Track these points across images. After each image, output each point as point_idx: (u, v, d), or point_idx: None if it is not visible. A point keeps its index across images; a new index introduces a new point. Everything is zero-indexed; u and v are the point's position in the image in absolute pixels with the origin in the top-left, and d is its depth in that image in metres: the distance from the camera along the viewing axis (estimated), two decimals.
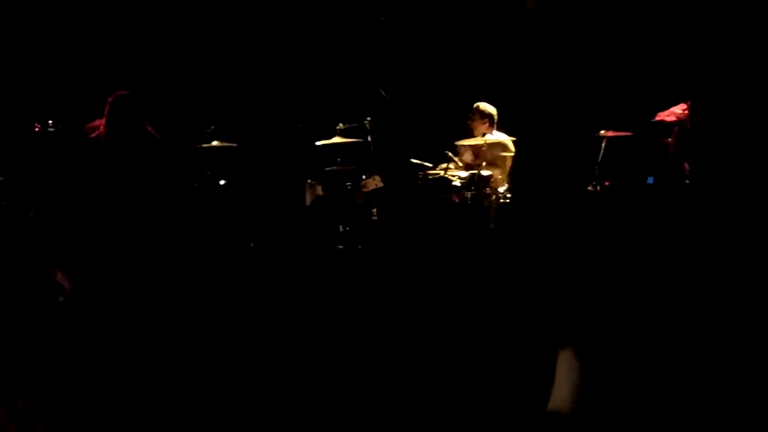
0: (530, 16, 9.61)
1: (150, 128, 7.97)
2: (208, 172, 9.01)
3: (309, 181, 9.07)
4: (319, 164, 9.31)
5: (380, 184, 8.92)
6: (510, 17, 10.03)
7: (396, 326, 4.60)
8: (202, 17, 10.15)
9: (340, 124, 9.24)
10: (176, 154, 8.79)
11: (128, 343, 3.84)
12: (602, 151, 9.20)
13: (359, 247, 8.28)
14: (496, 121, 9.43)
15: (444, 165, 9.26)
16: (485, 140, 9.13)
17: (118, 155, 7.62)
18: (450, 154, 9.33)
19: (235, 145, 9.24)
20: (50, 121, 8.32)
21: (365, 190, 8.86)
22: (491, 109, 9.41)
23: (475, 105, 9.45)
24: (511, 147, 9.23)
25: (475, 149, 9.47)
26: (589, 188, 8.92)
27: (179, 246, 6.68)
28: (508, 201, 8.57)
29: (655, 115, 9.12)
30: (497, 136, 9.34)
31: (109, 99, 7.81)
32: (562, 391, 2.58)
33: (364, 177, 9.06)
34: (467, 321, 4.43)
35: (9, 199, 7.87)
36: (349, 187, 8.98)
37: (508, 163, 9.21)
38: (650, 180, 8.98)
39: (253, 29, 10.29)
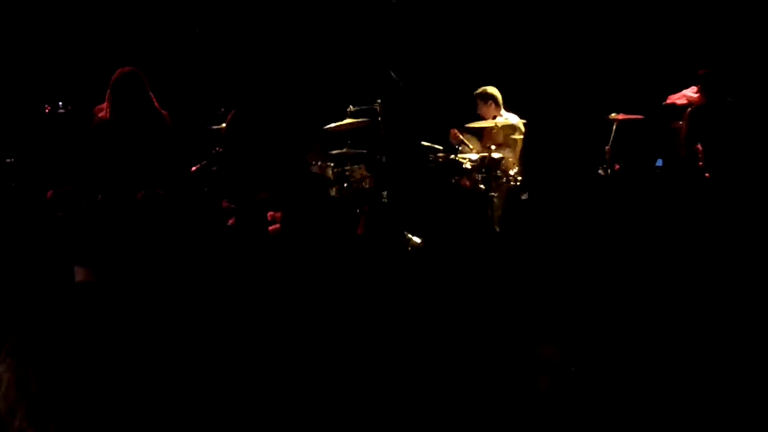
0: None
1: (158, 105, 7.90)
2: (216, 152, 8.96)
3: (320, 163, 8.98)
4: (329, 147, 9.23)
5: (366, 173, 8.88)
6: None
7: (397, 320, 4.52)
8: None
9: (351, 107, 9.15)
10: (185, 133, 8.78)
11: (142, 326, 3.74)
12: (613, 135, 9.14)
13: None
14: (500, 102, 9.35)
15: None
16: (496, 123, 9.06)
17: (123, 133, 7.53)
18: (461, 136, 9.25)
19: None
20: (60, 103, 8.26)
21: (353, 178, 8.81)
22: (492, 90, 9.36)
23: (475, 93, 9.40)
24: (522, 129, 9.16)
25: (486, 132, 9.39)
26: (600, 171, 8.86)
27: (190, 225, 6.63)
28: (519, 184, 8.51)
29: (666, 98, 9.12)
30: (508, 117, 9.25)
31: (113, 77, 7.73)
32: None
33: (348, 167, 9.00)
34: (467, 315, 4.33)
35: (19, 180, 7.83)
36: (347, 171, 8.94)
37: (519, 146, 9.14)
38: (659, 162, 8.91)
39: (266, 12, 10.23)
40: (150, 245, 5.04)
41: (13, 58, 9.16)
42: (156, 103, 7.89)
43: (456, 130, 9.33)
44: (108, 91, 7.70)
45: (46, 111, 8.11)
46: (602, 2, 10.26)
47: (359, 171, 8.92)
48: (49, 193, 6.30)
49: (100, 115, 7.66)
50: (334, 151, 9.19)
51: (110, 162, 7.36)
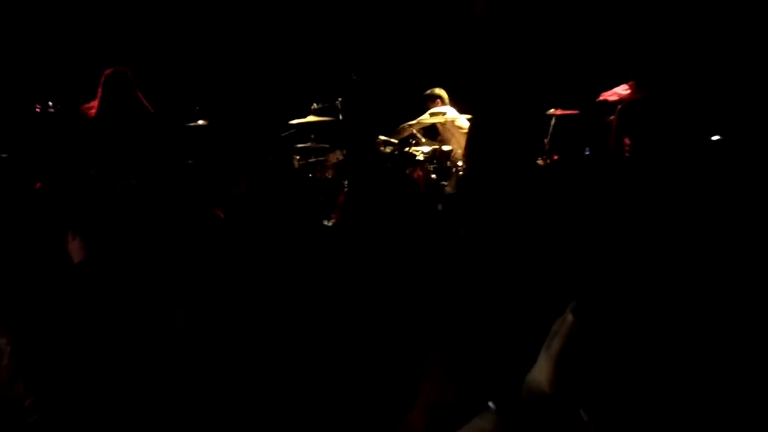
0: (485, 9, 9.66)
1: (145, 102, 7.97)
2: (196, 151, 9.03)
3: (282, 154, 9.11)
4: (294, 140, 9.35)
5: (341, 157, 8.99)
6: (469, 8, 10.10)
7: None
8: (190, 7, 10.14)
9: (314, 104, 9.28)
10: (169, 129, 8.84)
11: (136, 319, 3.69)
12: (551, 128, 9.31)
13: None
14: (447, 100, 9.53)
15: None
16: (445, 119, 9.26)
17: (111, 130, 7.61)
18: (414, 130, 9.41)
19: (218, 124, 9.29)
20: (50, 102, 8.31)
21: (327, 163, 8.94)
22: (439, 91, 9.59)
23: (424, 93, 9.57)
24: (467, 124, 9.34)
25: (439, 128, 9.58)
26: (539, 161, 9.02)
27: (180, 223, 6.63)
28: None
29: (599, 95, 9.25)
30: (454, 114, 9.43)
31: (102, 76, 7.79)
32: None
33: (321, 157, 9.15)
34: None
35: (13, 174, 7.85)
36: (318, 160, 9.06)
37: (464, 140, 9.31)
38: (587, 151, 9.10)
39: (238, 21, 10.28)
40: (129, 234, 5.03)
41: (7, 59, 9.17)
42: (144, 101, 7.98)
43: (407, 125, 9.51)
44: (98, 89, 7.77)
45: (37, 110, 8.14)
46: (543, 11, 10.34)
47: (335, 156, 9.03)
48: (37, 185, 6.36)
49: (89, 113, 7.75)
50: (299, 145, 9.31)
51: (97, 156, 7.45)
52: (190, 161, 8.73)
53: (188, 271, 4.23)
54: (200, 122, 9.18)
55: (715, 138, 8.52)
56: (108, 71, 8.00)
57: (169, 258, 4.61)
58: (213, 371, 3.37)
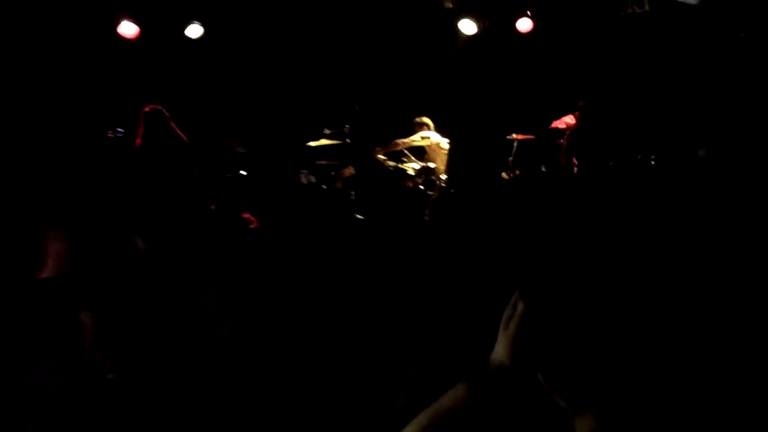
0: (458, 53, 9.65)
1: (180, 132, 7.89)
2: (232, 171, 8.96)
3: (303, 171, 9.10)
4: (311, 159, 9.35)
5: (353, 172, 9.01)
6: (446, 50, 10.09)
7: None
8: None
9: (326, 129, 9.33)
10: (203, 153, 8.79)
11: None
12: (515, 149, 9.34)
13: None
14: (432, 126, 9.55)
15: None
16: (431, 141, 9.31)
17: (151, 158, 7.57)
18: (403, 148, 9.42)
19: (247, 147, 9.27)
20: (118, 129, 8.24)
21: (342, 176, 8.93)
22: (425, 119, 9.58)
23: (414, 120, 9.54)
24: (447, 146, 9.37)
25: (426, 149, 9.60)
26: (504, 175, 9.06)
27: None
28: (446, 185, 8.69)
29: (551, 123, 9.33)
30: (438, 138, 9.46)
31: (141, 113, 7.73)
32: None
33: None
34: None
35: (90, 188, 7.69)
36: (332, 174, 9.06)
37: (445, 158, 9.33)
38: (543, 168, 9.12)
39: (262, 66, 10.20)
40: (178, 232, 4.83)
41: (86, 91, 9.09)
42: (178, 131, 7.90)
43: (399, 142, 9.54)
44: (139, 123, 7.76)
45: (110, 135, 8.10)
46: (506, 57, 10.34)
47: (348, 170, 9.01)
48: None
49: (135, 142, 7.74)
50: (319, 161, 9.35)
51: (141, 176, 7.38)
52: (228, 175, 8.72)
53: (221, 261, 4.19)
54: (238, 147, 9.15)
55: (640, 156, 8.59)
56: (146, 108, 7.88)
57: (206, 251, 4.55)
58: (238, 343, 3.32)
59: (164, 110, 7.85)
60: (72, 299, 3.10)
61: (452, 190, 8.20)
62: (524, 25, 9.73)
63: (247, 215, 6.51)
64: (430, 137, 9.44)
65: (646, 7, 9.21)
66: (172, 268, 4.12)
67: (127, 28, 8.86)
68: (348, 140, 9.21)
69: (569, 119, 9.13)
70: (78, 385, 3.06)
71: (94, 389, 2.98)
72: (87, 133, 8.49)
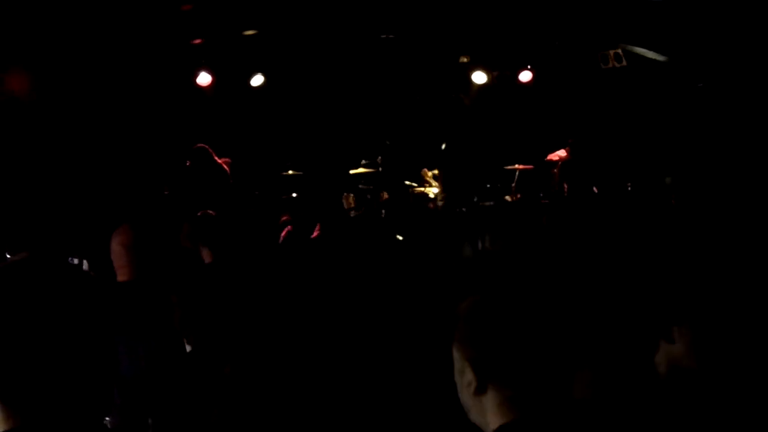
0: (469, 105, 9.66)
1: (225, 167, 7.74)
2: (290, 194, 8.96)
3: (345, 193, 9.16)
4: (352, 184, 9.43)
5: (387, 196, 9.07)
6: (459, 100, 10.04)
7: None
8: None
9: (363, 160, 9.44)
10: (251, 180, 8.68)
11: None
12: (516, 177, 9.38)
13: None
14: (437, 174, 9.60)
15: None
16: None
17: (198, 187, 7.49)
18: (428, 175, 9.49)
19: (300, 173, 9.35)
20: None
21: (381, 200, 8.98)
22: (429, 172, 9.59)
23: (421, 172, 9.63)
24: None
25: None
26: (507, 198, 9.10)
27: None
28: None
29: (546, 155, 9.39)
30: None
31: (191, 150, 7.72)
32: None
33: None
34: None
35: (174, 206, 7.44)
36: (369, 197, 9.11)
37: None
38: (540, 193, 9.12)
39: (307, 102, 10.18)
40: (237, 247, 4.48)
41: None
42: (224, 166, 7.74)
43: (425, 171, 9.63)
44: (187, 161, 7.70)
45: (187, 164, 7.97)
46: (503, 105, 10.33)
47: (384, 194, 9.10)
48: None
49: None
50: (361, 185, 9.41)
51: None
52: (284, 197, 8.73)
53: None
54: (290, 171, 9.21)
55: (619, 183, 8.63)
56: (193, 147, 7.74)
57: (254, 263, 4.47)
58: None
59: (209, 148, 7.70)
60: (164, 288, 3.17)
61: (461, 209, 8.20)
62: (525, 76, 9.82)
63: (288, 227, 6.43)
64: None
65: (624, 63, 9.28)
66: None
67: (204, 78, 8.86)
68: (380, 168, 9.30)
69: (561, 153, 9.23)
70: (162, 361, 3.08)
71: (178, 366, 2.99)
72: (170, 162, 8.44)
